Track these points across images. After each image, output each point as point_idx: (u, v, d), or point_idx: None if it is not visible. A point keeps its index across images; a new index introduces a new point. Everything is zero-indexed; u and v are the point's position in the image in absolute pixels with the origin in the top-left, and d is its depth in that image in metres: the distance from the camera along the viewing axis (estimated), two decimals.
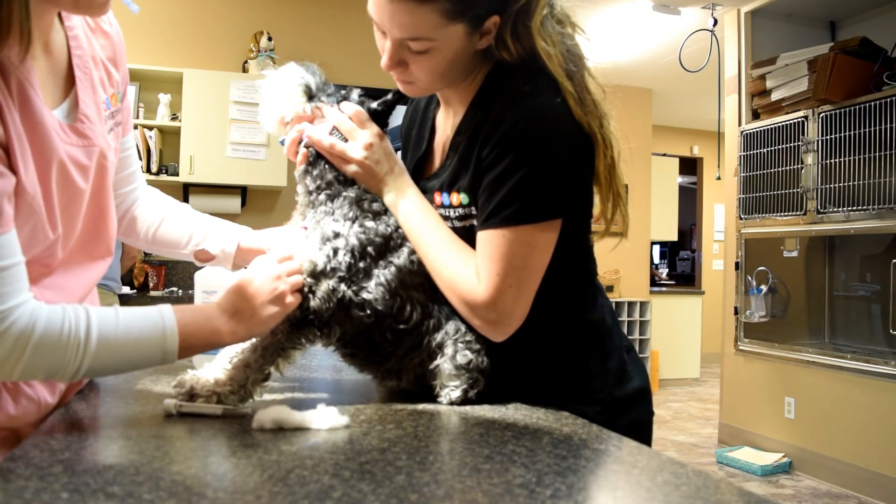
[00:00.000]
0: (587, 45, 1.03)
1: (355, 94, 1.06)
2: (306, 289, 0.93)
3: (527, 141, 0.93)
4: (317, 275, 0.93)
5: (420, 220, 1.00)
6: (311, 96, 1.05)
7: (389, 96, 1.06)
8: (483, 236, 0.96)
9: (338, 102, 1.05)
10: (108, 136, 0.95)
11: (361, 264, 0.95)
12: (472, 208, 1.00)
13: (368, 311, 0.94)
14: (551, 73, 0.96)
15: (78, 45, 0.91)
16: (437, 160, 1.10)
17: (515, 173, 0.93)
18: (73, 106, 0.88)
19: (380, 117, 1.05)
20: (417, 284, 0.98)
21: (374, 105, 1.05)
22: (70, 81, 0.89)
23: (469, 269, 0.96)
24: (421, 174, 1.12)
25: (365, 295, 0.94)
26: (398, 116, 1.18)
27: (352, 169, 1.01)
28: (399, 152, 1.23)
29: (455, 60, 0.97)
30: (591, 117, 0.97)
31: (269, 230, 1.20)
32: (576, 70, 0.98)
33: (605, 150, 0.98)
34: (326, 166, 1.02)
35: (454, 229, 1.02)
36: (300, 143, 1.04)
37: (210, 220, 1.20)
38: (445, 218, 1.03)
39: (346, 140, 1.02)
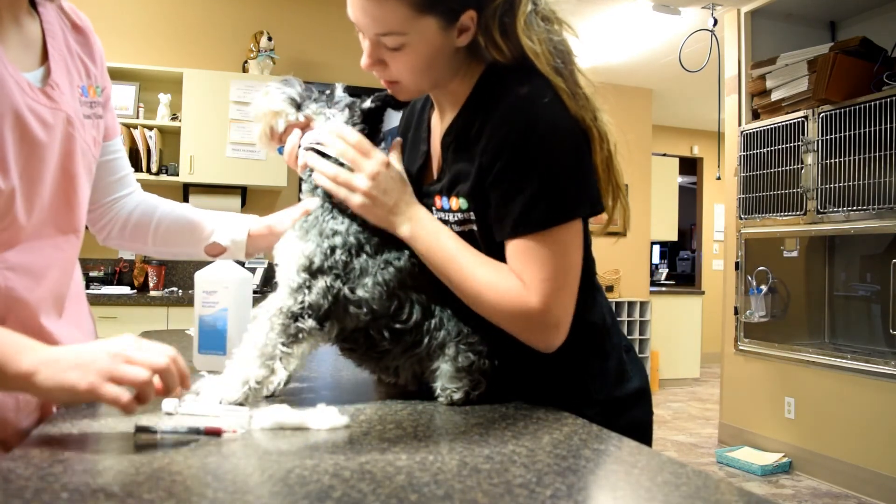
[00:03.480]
0: (582, 44, 1.02)
1: (339, 89, 1.05)
2: (305, 284, 0.93)
3: (536, 144, 0.92)
4: (313, 272, 0.93)
5: (446, 246, 0.97)
6: (298, 105, 1.05)
7: (382, 95, 1.04)
8: (516, 245, 0.95)
9: (326, 104, 1.04)
10: (83, 117, 0.97)
11: (357, 262, 0.95)
12: (471, 213, 1.00)
13: (364, 309, 0.94)
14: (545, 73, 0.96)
15: (53, 34, 0.95)
16: (436, 164, 1.10)
17: (531, 178, 0.92)
18: (45, 76, 0.92)
19: (374, 115, 1.04)
20: (419, 286, 0.98)
21: (368, 104, 1.04)
22: (45, 62, 0.93)
23: (513, 281, 0.95)
24: (422, 179, 1.12)
25: (360, 293, 0.94)
26: (396, 117, 1.18)
27: (357, 200, 0.97)
28: None
29: (434, 58, 0.96)
30: (585, 111, 0.97)
31: (277, 213, 1.20)
32: (564, 66, 0.97)
33: (601, 142, 0.98)
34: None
35: None
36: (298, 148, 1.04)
37: (215, 214, 1.22)
38: (444, 222, 1.03)
39: (352, 170, 0.99)
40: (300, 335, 0.92)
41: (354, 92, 1.05)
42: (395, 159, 1.04)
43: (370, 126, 1.03)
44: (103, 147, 1.10)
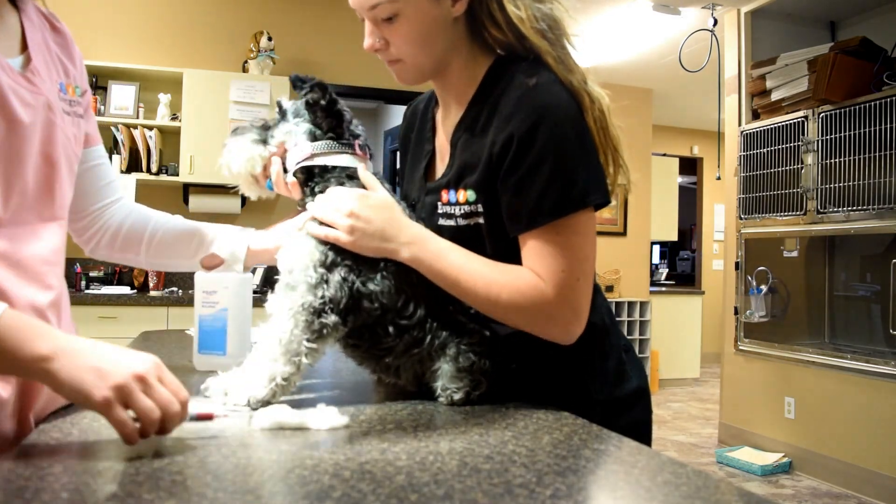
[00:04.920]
0: (581, 35, 1.03)
1: (284, 101, 1.04)
2: (323, 279, 0.93)
3: (545, 137, 0.93)
4: (329, 265, 0.95)
5: (454, 262, 0.96)
6: (264, 141, 1.05)
7: (309, 85, 0.99)
8: (530, 239, 0.95)
9: (285, 122, 1.03)
10: (62, 111, 0.97)
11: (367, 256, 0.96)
12: (479, 206, 1.00)
13: (376, 304, 0.95)
14: (553, 67, 0.96)
15: (32, 29, 0.96)
16: (442, 161, 1.10)
17: (542, 170, 0.93)
18: (25, 63, 0.93)
19: (332, 106, 1.00)
20: (423, 282, 0.98)
21: (321, 99, 0.99)
22: (25, 52, 0.94)
23: (529, 276, 0.95)
24: (427, 175, 1.12)
25: (371, 286, 0.95)
26: (397, 117, 1.18)
27: (344, 238, 0.95)
28: (398, 154, 1.23)
29: (431, 29, 0.98)
30: (573, 75, 0.98)
31: (276, 227, 1.20)
32: (549, 30, 0.99)
33: (592, 103, 0.99)
34: (319, 172, 1.01)
35: (458, 228, 1.02)
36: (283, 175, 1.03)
37: (213, 225, 1.21)
38: (450, 216, 1.03)
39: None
40: (324, 331, 0.92)
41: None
42: (370, 180, 0.99)
43: (335, 118, 1.00)
44: (87, 153, 1.08)
